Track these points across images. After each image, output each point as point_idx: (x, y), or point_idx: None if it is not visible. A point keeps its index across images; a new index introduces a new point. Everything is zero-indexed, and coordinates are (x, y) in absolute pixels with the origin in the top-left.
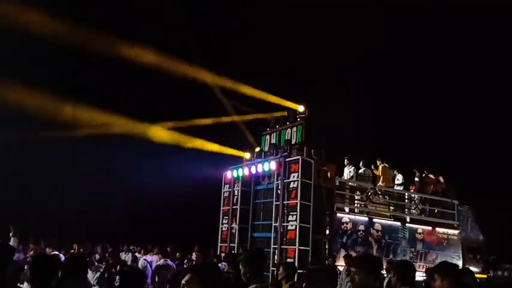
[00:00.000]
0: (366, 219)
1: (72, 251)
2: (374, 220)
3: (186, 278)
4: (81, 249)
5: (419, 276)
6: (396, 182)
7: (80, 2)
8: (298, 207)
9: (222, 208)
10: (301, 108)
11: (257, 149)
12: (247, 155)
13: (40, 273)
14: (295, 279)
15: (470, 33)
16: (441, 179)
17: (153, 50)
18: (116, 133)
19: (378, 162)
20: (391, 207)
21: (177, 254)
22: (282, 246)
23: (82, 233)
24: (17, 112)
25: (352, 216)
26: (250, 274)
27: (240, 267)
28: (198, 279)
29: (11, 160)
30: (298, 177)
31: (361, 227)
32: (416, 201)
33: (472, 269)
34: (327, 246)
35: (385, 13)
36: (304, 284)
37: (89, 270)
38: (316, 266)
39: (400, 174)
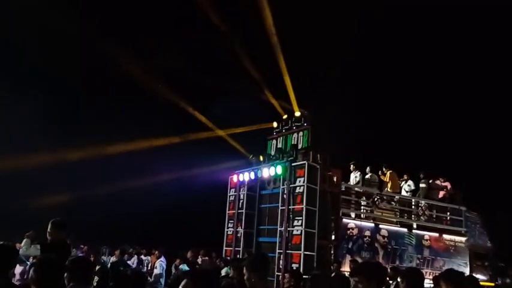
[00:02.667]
0: (372, 225)
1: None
2: (380, 226)
3: (183, 283)
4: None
5: (426, 283)
6: (407, 188)
7: None
8: (304, 212)
9: (227, 212)
10: (307, 113)
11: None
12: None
13: (46, 277)
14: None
15: (472, 32)
16: (449, 185)
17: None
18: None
19: (385, 169)
20: (398, 213)
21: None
22: (287, 251)
23: (86, 236)
24: None
25: (358, 222)
26: (255, 279)
27: (244, 272)
28: (194, 285)
29: None
30: (304, 182)
31: (367, 233)
32: (424, 207)
33: (480, 276)
34: (332, 252)
35: (387, 16)
36: None
37: None
38: (320, 271)
39: (410, 181)
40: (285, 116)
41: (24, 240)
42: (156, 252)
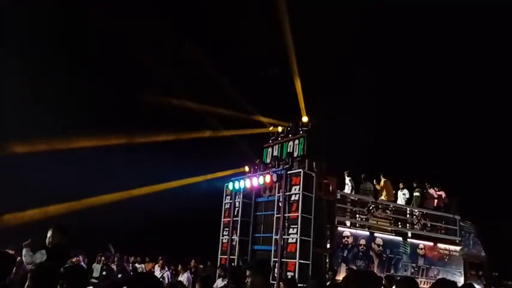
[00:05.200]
0: (367, 233)
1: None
2: (375, 234)
3: None
4: (85, 259)
5: None
6: (402, 196)
7: None
8: (299, 220)
9: (222, 220)
10: (304, 119)
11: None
12: (246, 168)
13: (41, 284)
14: None
15: (467, 42)
16: (443, 194)
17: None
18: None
19: (381, 176)
20: (392, 222)
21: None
22: (283, 260)
23: (82, 243)
24: None
25: (353, 230)
26: (259, 283)
27: (248, 275)
28: None
29: None
30: (299, 190)
31: (362, 241)
32: (418, 216)
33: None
34: (327, 260)
35: (388, 24)
36: None
37: None
38: (316, 280)
39: (405, 189)
40: (280, 128)
41: (25, 250)
42: (161, 261)
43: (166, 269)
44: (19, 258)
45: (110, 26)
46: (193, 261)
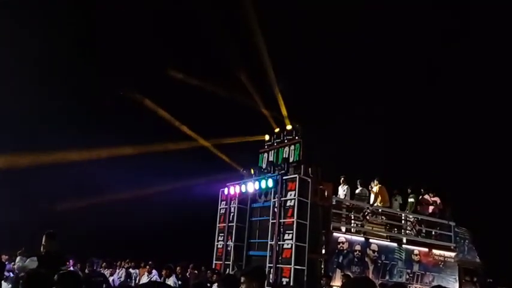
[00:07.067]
0: (362, 239)
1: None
2: (370, 240)
3: None
4: (78, 265)
5: None
6: (396, 202)
7: None
8: (295, 225)
9: (218, 225)
10: (298, 126)
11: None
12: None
13: None
14: None
15: (471, 48)
16: (438, 200)
17: None
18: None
19: (376, 182)
20: (388, 228)
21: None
22: (278, 265)
23: (76, 249)
24: None
25: (348, 236)
26: None
27: (243, 281)
28: None
29: None
30: (295, 195)
31: (358, 247)
32: (413, 222)
33: None
34: (322, 266)
35: (388, 31)
36: None
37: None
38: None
39: (399, 195)
40: (277, 130)
41: (18, 258)
42: (148, 266)
43: (154, 273)
44: None
45: None
46: (179, 266)
